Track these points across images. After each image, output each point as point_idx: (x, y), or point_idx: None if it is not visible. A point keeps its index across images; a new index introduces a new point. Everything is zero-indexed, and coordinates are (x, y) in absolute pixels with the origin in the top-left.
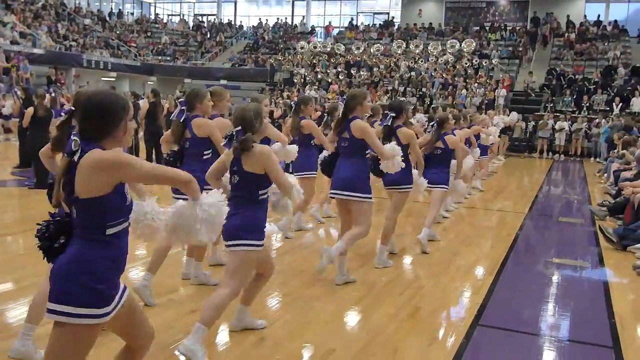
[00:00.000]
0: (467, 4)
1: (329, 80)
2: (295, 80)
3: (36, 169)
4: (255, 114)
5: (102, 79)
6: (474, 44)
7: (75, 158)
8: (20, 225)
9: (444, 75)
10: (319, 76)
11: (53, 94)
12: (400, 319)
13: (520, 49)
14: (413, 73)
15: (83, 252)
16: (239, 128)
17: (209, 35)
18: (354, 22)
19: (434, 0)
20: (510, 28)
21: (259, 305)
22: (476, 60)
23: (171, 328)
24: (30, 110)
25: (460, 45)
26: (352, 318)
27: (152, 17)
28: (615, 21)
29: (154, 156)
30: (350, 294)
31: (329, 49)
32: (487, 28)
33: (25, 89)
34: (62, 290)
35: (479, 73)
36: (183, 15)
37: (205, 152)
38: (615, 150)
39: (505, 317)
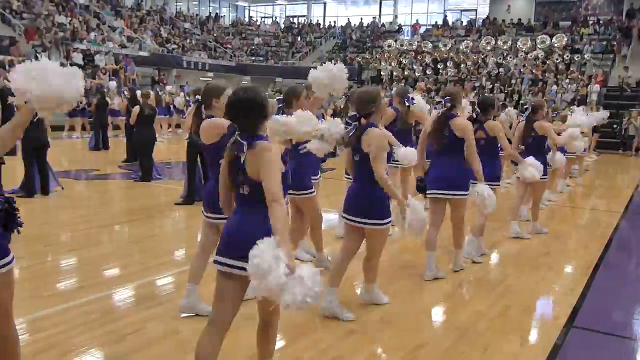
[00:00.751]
0: None
1: (416, 77)
2: (383, 78)
3: (141, 163)
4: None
5: (201, 78)
6: (565, 39)
7: (244, 149)
8: (127, 215)
9: (533, 71)
10: (406, 73)
11: (160, 93)
12: (490, 317)
13: (615, 44)
14: (501, 69)
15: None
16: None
17: (299, 36)
18: (445, 20)
19: None
20: (604, 22)
21: (347, 298)
22: (567, 56)
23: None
24: (137, 108)
25: (551, 40)
26: (441, 314)
27: (246, 19)
28: None
29: None
30: (439, 290)
31: (415, 47)
32: (579, 22)
33: (131, 89)
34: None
35: (571, 68)
36: (275, 17)
37: (299, 147)
38: None
39: (600, 320)
